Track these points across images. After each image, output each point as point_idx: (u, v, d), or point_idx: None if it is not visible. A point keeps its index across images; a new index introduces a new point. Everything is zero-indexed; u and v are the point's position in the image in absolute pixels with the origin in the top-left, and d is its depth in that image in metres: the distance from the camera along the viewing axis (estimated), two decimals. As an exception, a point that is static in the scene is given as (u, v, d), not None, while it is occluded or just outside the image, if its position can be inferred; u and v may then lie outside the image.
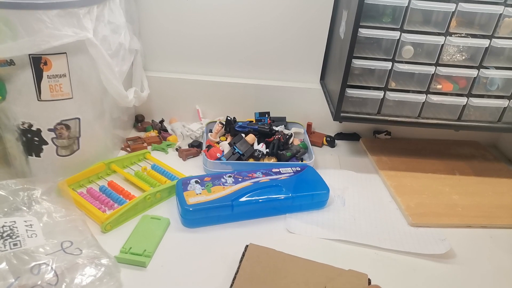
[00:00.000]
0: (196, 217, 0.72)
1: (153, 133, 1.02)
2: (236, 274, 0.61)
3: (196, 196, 0.74)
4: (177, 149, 0.97)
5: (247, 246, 0.66)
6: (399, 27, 0.79)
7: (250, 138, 0.94)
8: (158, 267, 0.64)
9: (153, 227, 0.71)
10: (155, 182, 0.83)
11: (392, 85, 0.86)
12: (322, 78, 1.06)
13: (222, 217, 0.74)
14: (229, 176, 0.80)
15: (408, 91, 0.86)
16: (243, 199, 0.75)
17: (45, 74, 0.70)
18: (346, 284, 0.60)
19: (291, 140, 0.97)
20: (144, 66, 1.01)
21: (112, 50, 0.79)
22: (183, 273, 0.64)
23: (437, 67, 0.83)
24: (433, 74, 0.83)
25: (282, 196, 0.77)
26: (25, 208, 0.64)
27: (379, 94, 0.86)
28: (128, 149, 0.96)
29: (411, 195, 0.85)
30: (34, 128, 0.74)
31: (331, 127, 1.10)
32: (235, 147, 0.91)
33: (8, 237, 0.58)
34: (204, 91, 1.05)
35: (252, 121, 1.01)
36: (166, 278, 0.63)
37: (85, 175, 0.82)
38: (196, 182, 0.78)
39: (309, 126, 1.07)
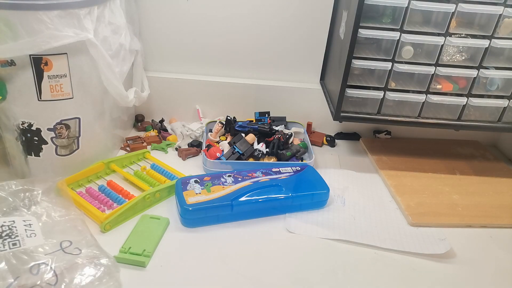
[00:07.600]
0: (196, 216, 0.72)
1: (153, 133, 1.02)
2: None
3: (196, 195, 0.74)
4: (176, 149, 0.97)
5: None
6: (399, 27, 0.79)
7: (250, 137, 0.94)
8: (157, 267, 0.64)
9: (152, 227, 0.71)
10: (154, 181, 0.83)
11: (392, 85, 0.86)
12: (322, 78, 1.06)
13: (222, 217, 0.74)
14: (229, 176, 0.80)
15: (408, 91, 0.86)
16: (243, 198, 0.75)
17: (45, 74, 0.71)
18: None
19: (291, 140, 0.97)
20: (145, 66, 1.01)
21: (113, 50, 0.79)
22: (183, 273, 0.64)
23: (437, 67, 0.83)
24: (433, 74, 0.83)
25: (282, 196, 0.77)
26: (24, 208, 0.64)
27: (379, 94, 0.86)
28: (128, 148, 0.96)
29: (411, 195, 0.85)
30: (33, 128, 0.74)
31: (331, 127, 1.10)
32: (235, 146, 0.91)
33: (7, 237, 0.58)
34: (204, 91, 1.05)
35: (252, 121, 1.01)
36: (166, 278, 0.62)
37: (84, 174, 0.82)
38: (196, 181, 0.78)
39: (309, 125, 1.07)
